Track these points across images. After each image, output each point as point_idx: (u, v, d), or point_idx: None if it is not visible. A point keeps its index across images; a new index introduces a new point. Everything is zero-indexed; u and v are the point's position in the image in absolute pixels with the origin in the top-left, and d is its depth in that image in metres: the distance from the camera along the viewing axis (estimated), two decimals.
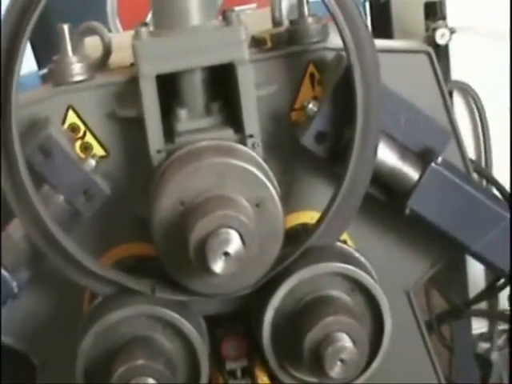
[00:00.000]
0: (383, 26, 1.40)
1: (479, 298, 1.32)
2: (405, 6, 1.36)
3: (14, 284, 1.08)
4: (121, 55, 1.17)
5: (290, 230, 1.08)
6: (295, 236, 1.11)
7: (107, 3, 2.53)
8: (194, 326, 1.04)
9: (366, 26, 1.03)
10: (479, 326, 1.38)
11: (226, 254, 0.94)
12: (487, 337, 1.42)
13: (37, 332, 1.17)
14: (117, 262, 1.14)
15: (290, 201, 1.10)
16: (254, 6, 2.18)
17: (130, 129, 1.10)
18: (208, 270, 0.95)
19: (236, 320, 1.12)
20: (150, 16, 1.62)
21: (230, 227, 0.95)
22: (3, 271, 1.07)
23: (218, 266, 0.95)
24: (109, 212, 1.11)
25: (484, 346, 1.43)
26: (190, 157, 1.04)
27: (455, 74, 1.28)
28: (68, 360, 1.04)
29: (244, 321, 1.12)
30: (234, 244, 0.95)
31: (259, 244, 0.98)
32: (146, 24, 1.06)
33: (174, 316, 1.03)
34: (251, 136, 1.06)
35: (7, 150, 0.99)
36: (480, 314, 1.36)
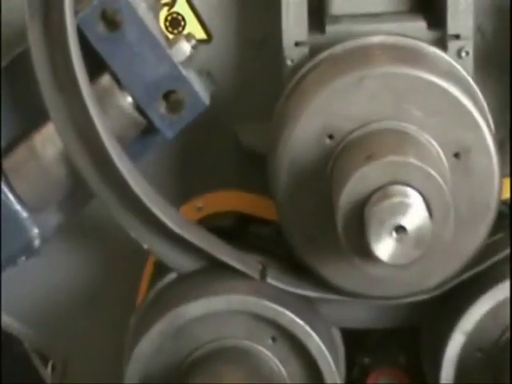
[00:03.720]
0: None
1: None
2: None
3: (35, 232, 0.93)
4: None
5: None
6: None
7: None
8: (324, 342, 0.93)
9: None
10: None
11: (400, 229, 0.82)
12: None
13: (57, 315, 1.08)
14: (203, 220, 1.02)
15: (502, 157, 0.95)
16: None
17: (252, 3, 1.02)
18: (365, 254, 0.83)
19: (393, 343, 1.05)
20: None
21: (409, 185, 0.82)
22: (20, 208, 0.91)
23: (384, 249, 0.82)
24: (199, 136, 1.02)
25: None
26: (348, 59, 0.92)
27: None
28: (103, 366, 1.01)
29: (405, 346, 1.05)
30: (415, 214, 0.82)
31: (455, 221, 0.84)
32: None
33: (295, 321, 0.91)
34: (457, 37, 0.95)
35: (52, 14, 0.86)
36: None
